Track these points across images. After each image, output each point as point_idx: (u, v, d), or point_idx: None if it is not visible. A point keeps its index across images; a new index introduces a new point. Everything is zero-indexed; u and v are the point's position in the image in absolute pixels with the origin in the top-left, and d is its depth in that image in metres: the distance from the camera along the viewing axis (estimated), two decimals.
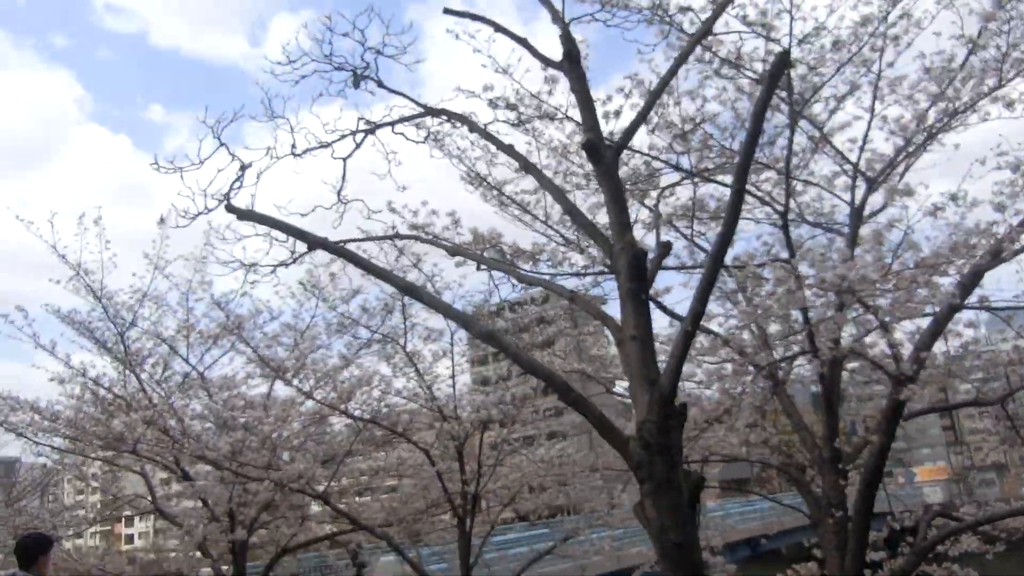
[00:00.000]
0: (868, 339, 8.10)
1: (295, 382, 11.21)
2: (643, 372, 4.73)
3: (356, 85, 6.53)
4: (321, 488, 12.36)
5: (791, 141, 7.26)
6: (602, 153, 5.18)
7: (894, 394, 7.74)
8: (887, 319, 7.30)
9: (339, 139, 6.86)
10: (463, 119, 6.16)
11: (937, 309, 7.57)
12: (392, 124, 6.57)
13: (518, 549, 17.15)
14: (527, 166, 5.80)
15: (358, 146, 6.89)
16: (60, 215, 11.95)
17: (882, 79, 8.53)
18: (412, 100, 6.31)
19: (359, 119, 6.87)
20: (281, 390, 13.37)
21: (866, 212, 8.85)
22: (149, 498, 15.02)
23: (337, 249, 5.68)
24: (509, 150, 5.92)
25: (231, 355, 13.43)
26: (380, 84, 6.33)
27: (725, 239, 4.63)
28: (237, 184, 5.51)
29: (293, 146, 6.57)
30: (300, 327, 12.97)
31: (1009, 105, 7.74)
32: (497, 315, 12.46)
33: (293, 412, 12.58)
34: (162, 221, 5.49)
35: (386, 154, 7.18)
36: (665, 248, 5.27)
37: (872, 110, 8.54)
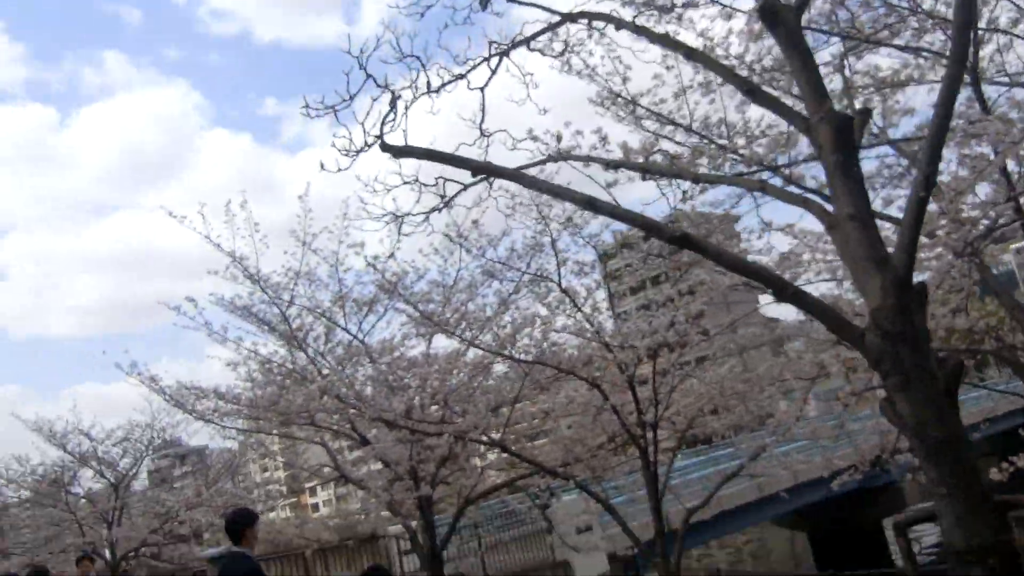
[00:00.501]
0: None
1: (456, 333, 11.11)
2: (869, 253, 4.14)
3: (484, 5, 6.10)
4: (496, 436, 12.35)
5: None
6: (781, 14, 4.55)
7: None
8: None
9: (473, 68, 6.50)
10: (608, 18, 5.62)
11: None
12: (527, 41, 6.13)
13: (702, 472, 16.78)
14: (690, 52, 5.23)
15: (494, 72, 6.51)
16: (205, 213, 12.20)
17: None
18: (547, 9, 5.83)
19: (490, 43, 6.47)
20: (441, 345, 13.45)
21: None
22: (332, 466, 15.53)
23: (504, 172, 5.33)
24: (666, 39, 5.36)
25: (387, 319, 13.56)
26: None
27: (955, 79, 3.94)
28: (391, 118, 5.22)
29: (428, 83, 6.25)
30: (447, 283, 12.90)
31: None
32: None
33: (459, 364, 12.59)
34: (322, 167, 5.25)
35: (523, 77, 6.77)
36: (865, 114, 4.61)
37: None
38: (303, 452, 17.74)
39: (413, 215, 6.94)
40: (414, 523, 13.56)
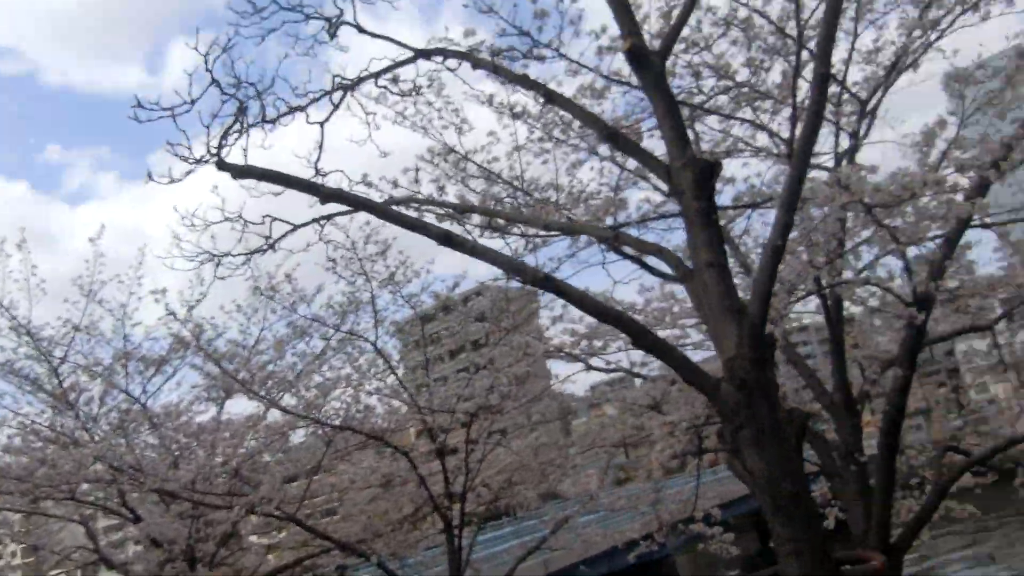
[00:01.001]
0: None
1: (259, 393, 10.24)
2: (725, 303, 4.18)
3: (332, 35, 5.78)
4: (292, 509, 11.41)
5: (797, 66, 6.81)
6: (648, 59, 4.62)
7: (914, 321, 7.45)
8: (902, 240, 6.95)
9: (314, 101, 6.12)
10: (465, 56, 5.49)
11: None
12: (376, 76, 5.86)
13: (506, 544, 16.47)
14: (549, 95, 5.18)
15: (336, 107, 6.15)
16: None
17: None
18: (400, 43, 5.61)
19: (334, 76, 6.13)
20: (234, 411, 12.41)
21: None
22: (91, 548, 13.65)
23: (360, 201, 4.92)
24: (525, 80, 5.29)
25: (178, 379, 12.33)
26: (361, 30, 5.61)
27: (812, 130, 4.13)
28: (236, 129, 4.68)
29: (264, 113, 5.78)
30: (248, 342, 11.99)
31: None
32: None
33: (255, 429, 11.60)
34: (149, 177, 4.59)
35: (365, 116, 6.47)
36: (718, 165, 4.73)
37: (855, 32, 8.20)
38: (58, 531, 15.41)
39: (233, 256, 6.34)
40: None
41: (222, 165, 4.66)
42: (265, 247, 6.31)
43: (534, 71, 6.85)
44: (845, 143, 8.27)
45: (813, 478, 10.35)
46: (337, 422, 10.51)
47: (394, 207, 6.26)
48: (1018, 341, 12.50)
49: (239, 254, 6.32)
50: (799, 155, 4.19)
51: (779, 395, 4.30)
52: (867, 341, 9.79)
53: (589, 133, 7.51)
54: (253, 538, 16.52)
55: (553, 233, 6.45)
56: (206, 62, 4.43)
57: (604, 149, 7.80)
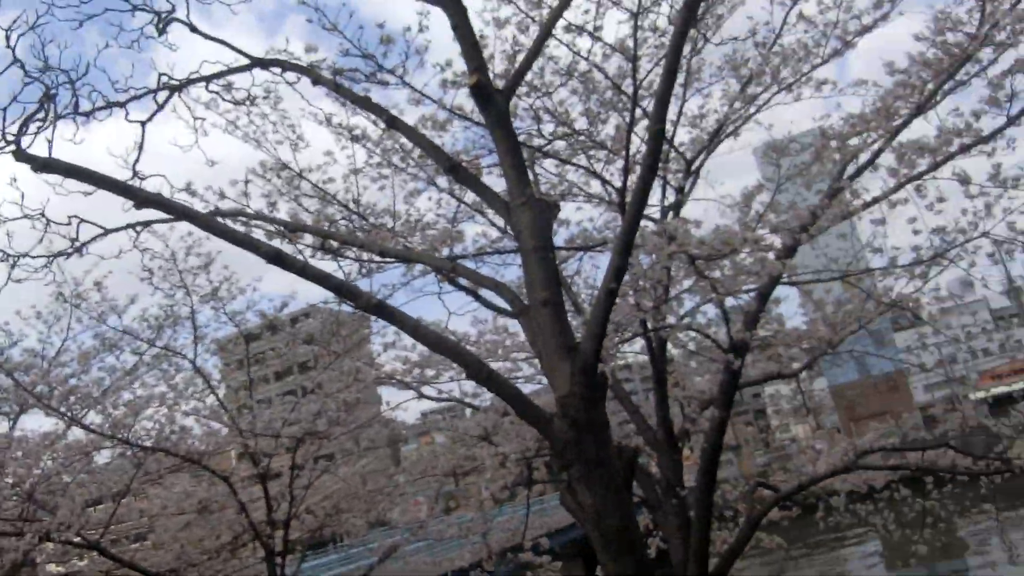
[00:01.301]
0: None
1: (58, 410, 9.34)
2: (560, 340, 4.16)
3: (161, 31, 5.37)
4: (95, 536, 10.47)
5: (631, 121, 7.06)
6: (493, 96, 4.56)
7: (730, 365, 7.83)
8: (720, 291, 7.31)
9: (135, 98, 5.66)
10: (306, 70, 5.23)
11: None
12: (207, 80, 5.49)
13: (332, 572, 15.86)
14: (391, 120, 5.01)
15: (161, 107, 5.72)
16: None
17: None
18: (236, 49, 5.28)
19: (160, 75, 5.70)
20: (29, 427, 11.28)
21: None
22: None
23: (181, 210, 4.52)
24: (367, 103, 5.10)
25: None
26: (194, 29, 5.23)
27: (646, 183, 4.20)
28: (39, 117, 4.17)
29: (76, 104, 5.26)
30: (48, 353, 10.94)
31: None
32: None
33: (52, 449, 10.55)
34: None
35: (193, 121, 6.05)
36: (556, 207, 4.74)
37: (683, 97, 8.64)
38: None
39: (32, 257, 5.73)
40: None
41: (20, 155, 4.16)
42: (70, 250, 5.74)
43: (376, 96, 6.68)
44: (671, 197, 8.68)
45: (637, 509, 10.64)
46: (148, 443, 9.77)
47: (220, 219, 5.88)
48: (816, 388, 13.49)
49: (40, 256, 5.73)
50: (634, 203, 4.25)
51: (610, 431, 4.32)
52: (686, 382, 10.22)
53: (429, 163, 7.44)
54: (51, 567, 15.07)
55: (388, 260, 6.27)
56: (7, 38, 3.94)
57: (443, 180, 7.76)
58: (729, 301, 7.82)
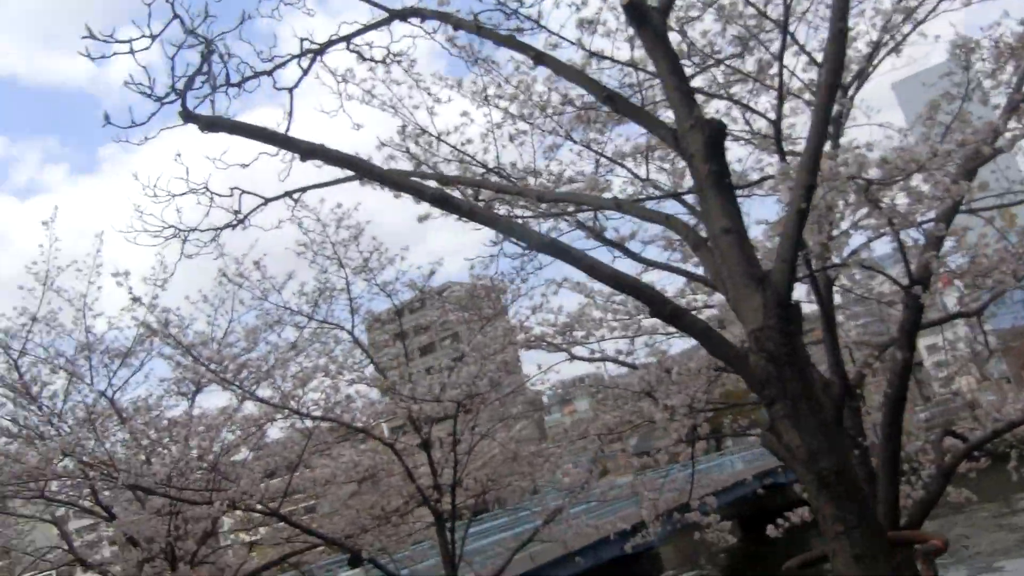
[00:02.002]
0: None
1: (233, 383, 9.77)
2: (746, 270, 3.80)
3: None
4: (275, 504, 10.96)
5: (784, 44, 6.45)
6: (649, 14, 4.22)
7: (917, 299, 7.14)
8: (897, 221, 6.61)
9: (280, 65, 5.64)
10: (446, 17, 5.04)
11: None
12: (347, 39, 5.40)
13: (498, 536, 16.09)
14: (538, 56, 4.76)
15: (305, 72, 5.68)
16: None
17: None
18: (374, 3, 5.15)
19: (302, 40, 5.66)
20: (205, 405, 11.95)
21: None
22: (66, 548, 13.14)
23: (343, 158, 4.47)
24: (512, 41, 4.86)
25: (145, 372, 11.83)
26: None
27: (831, 87, 3.75)
28: (203, 73, 4.20)
29: (227, 75, 5.28)
30: (216, 335, 11.51)
31: None
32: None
33: (230, 422, 11.10)
34: (107, 120, 4.10)
35: (336, 85, 6.02)
36: (725, 130, 4.33)
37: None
38: (29, 532, 14.79)
39: (201, 231, 5.87)
40: None
41: (187, 115, 4.19)
42: (235, 222, 5.84)
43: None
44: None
45: None
46: (317, 413, 10.08)
47: (371, 178, 5.83)
48: (988, 330, 12.24)
49: (207, 229, 5.87)
50: (819, 110, 3.82)
51: (811, 365, 3.92)
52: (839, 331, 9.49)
53: (567, 111, 7.09)
54: (234, 535, 16.05)
55: (541, 209, 6.03)
56: None
57: (579, 133, 7.40)
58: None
